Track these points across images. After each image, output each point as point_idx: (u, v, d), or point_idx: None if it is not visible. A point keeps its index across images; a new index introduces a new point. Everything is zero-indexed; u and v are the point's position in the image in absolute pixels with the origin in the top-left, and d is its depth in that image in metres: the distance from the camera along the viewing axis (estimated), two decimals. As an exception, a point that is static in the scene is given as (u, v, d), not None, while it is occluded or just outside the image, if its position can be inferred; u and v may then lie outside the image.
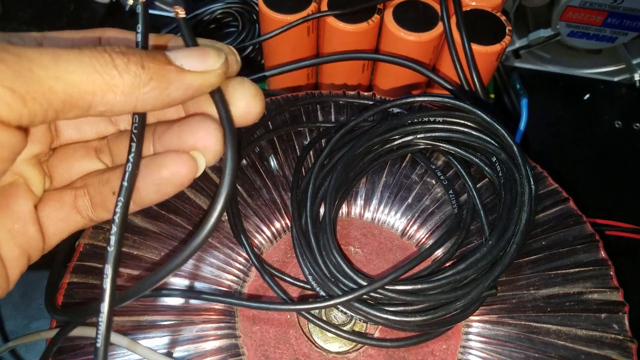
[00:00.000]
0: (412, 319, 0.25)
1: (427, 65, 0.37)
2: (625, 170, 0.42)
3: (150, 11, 0.48)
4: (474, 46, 0.35)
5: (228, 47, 0.21)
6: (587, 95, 0.46)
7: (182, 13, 0.20)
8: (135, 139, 0.20)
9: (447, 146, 0.30)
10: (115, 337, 0.26)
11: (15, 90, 0.15)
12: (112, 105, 0.18)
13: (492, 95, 0.43)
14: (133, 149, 0.20)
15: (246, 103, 0.21)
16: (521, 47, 0.46)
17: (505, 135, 0.28)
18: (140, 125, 0.20)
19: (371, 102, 0.33)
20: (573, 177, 0.41)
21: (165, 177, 0.20)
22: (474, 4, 0.36)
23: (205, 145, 0.20)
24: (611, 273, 0.28)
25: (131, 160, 0.20)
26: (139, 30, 0.20)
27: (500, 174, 0.29)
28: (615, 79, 0.46)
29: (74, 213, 0.22)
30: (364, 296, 0.26)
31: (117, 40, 0.22)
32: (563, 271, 0.28)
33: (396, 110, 0.32)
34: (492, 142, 0.29)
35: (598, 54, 0.47)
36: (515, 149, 0.27)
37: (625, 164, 0.42)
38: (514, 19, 0.45)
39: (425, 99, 0.31)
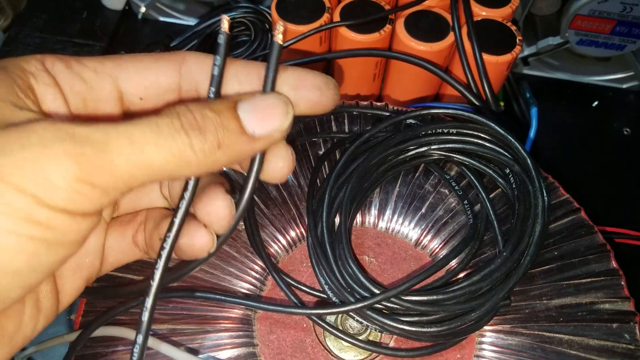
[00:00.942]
0: (428, 329, 0.26)
1: (440, 67, 0.37)
2: (633, 176, 0.42)
3: (163, 19, 0.48)
4: (485, 56, 0.35)
5: (333, 83, 0.20)
6: (596, 102, 0.46)
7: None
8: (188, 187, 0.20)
9: (461, 157, 0.31)
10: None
11: (97, 185, 0.15)
12: (185, 176, 0.18)
13: (502, 104, 0.43)
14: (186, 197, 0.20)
15: (279, 166, 0.20)
16: (530, 55, 0.46)
17: (519, 147, 0.28)
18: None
19: (384, 113, 0.33)
20: (581, 184, 0.41)
21: (180, 245, 0.20)
22: (484, 13, 0.37)
23: (217, 219, 0.20)
24: (622, 283, 0.29)
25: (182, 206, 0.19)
26: (217, 62, 0.19)
27: (513, 186, 0.29)
28: (624, 86, 0.47)
29: (133, 247, 0.23)
30: (380, 306, 0.26)
31: (196, 69, 0.20)
32: (575, 281, 0.29)
33: (410, 121, 0.32)
34: (506, 154, 0.29)
35: (607, 62, 0.47)
36: (529, 161, 0.28)
37: (634, 171, 0.42)
38: (523, 26, 0.46)
39: (440, 110, 0.31)
